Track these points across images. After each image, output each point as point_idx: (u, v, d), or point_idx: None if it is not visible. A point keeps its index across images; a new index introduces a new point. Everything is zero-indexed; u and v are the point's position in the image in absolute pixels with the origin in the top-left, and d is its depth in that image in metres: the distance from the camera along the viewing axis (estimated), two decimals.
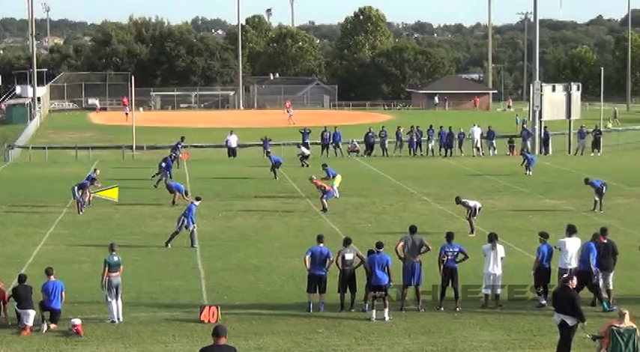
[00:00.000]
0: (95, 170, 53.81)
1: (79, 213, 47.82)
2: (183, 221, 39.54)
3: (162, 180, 56.43)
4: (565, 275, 26.40)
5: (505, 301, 29.69)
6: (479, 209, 41.65)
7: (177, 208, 49.62)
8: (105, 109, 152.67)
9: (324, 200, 48.18)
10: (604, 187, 48.64)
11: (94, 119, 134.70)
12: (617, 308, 25.22)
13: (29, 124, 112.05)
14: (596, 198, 48.39)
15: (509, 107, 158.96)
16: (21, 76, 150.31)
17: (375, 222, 44.83)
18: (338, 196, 51.56)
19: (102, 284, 28.45)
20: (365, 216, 46.96)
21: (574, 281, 25.59)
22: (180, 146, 71.36)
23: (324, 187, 48.78)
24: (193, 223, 39.63)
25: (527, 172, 64.84)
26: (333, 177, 53.10)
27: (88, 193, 48.89)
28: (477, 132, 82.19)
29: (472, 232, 40.18)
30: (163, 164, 58.38)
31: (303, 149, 68.82)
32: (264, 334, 26.76)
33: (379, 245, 29.29)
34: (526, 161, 66.03)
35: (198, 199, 42.20)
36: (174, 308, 29.74)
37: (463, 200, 42.44)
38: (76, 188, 48.32)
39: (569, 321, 23.93)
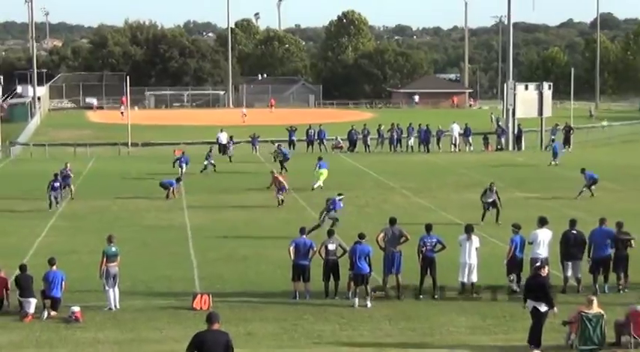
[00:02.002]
0: (67, 164, 53.65)
1: (50, 208, 47.33)
2: (325, 215, 40.70)
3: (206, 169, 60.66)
4: (537, 264, 26.54)
5: (480, 289, 29.83)
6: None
7: (170, 202, 49.79)
8: (102, 108, 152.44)
9: (279, 196, 48.23)
10: (592, 180, 50.96)
11: (91, 117, 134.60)
12: (586, 296, 25.39)
13: (30, 122, 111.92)
14: (583, 189, 50.59)
15: (470, 105, 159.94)
16: (22, 76, 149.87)
17: (357, 215, 44.91)
18: (318, 186, 53.23)
19: (100, 274, 28.51)
20: (349, 209, 46.98)
21: (545, 270, 25.74)
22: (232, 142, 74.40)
23: (281, 183, 48.62)
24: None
25: (553, 162, 67.22)
26: (320, 168, 53.81)
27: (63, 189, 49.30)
28: (455, 129, 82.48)
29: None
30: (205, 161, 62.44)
31: (283, 150, 68.00)
32: (254, 320, 26.84)
33: (361, 236, 29.43)
34: (552, 151, 69.07)
35: (340, 195, 42.87)
36: (168, 296, 29.78)
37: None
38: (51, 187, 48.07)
39: (541, 308, 24.05)
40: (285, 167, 62.60)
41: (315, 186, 52.93)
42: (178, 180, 53.13)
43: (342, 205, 42.29)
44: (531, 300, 24.23)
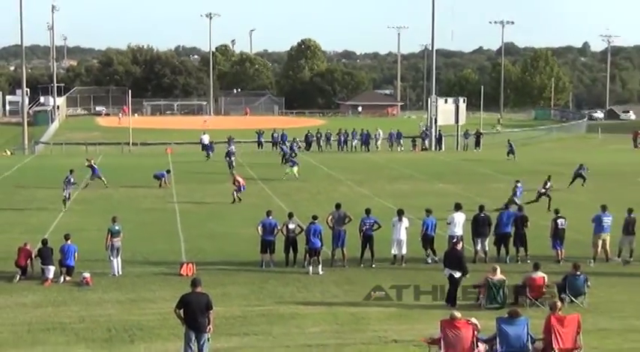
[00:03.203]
0: (71, 171, 45.68)
1: (65, 207, 42.43)
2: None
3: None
4: (454, 240, 26.64)
5: (408, 259, 29.91)
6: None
7: (162, 190, 49.57)
8: (108, 115, 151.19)
9: (236, 193, 44.93)
10: (583, 170, 50.65)
11: (100, 122, 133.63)
12: (492, 265, 25.53)
13: (50, 126, 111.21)
14: (576, 179, 50.32)
15: (387, 114, 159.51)
16: (44, 89, 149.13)
17: (311, 201, 44.85)
18: (293, 175, 53.39)
19: (106, 247, 28.40)
20: (305, 196, 46.98)
21: (460, 245, 25.92)
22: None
23: (240, 183, 45.55)
24: None
25: (509, 157, 69.06)
26: (292, 165, 54.13)
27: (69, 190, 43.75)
28: (380, 134, 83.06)
29: None
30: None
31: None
32: (229, 284, 26.81)
33: (314, 217, 29.48)
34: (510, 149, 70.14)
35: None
36: (160, 265, 29.68)
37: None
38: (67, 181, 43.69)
39: (456, 274, 24.19)
40: (233, 166, 58.58)
41: (297, 176, 53.74)
42: (168, 171, 52.85)
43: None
44: (448, 268, 24.38)
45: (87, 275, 27.05)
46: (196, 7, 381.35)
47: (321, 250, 28.89)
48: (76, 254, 27.95)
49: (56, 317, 23.24)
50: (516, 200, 39.61)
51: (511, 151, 70.05)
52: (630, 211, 30.65)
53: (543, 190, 42.25)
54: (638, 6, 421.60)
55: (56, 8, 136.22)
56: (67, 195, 43.21)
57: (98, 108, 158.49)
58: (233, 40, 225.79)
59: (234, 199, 44.90)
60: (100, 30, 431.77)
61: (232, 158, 60.46)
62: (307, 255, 29.02)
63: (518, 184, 41.74)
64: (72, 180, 44.17)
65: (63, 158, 71.63)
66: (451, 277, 24.20)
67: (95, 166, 51.81)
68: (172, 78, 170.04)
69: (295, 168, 54.57)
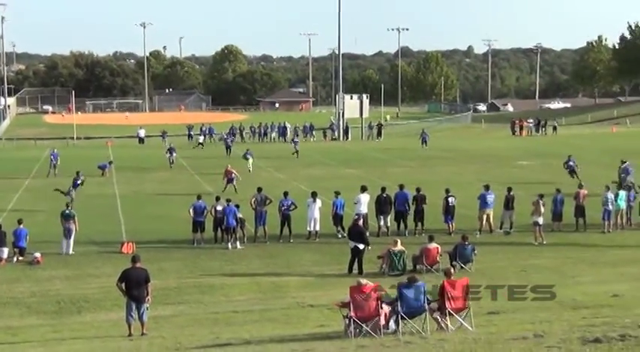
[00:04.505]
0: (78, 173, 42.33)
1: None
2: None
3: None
4: (356, 217, 26.72)
5: (321, 235, 30.01)
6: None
7: (104, 178, 48.86)
8: (54, 113, 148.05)
9: (231, 183, 42.03)
10: (573, 163, 44.35)
11: (47, 119, 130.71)
12: (393, 238, 25.78)
13: (2, 123, 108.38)
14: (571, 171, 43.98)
15: (300, 110, 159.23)
16: None
17: (237, 185, 44.67)
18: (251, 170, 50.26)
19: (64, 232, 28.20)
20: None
21: (361, 221, 26.14)
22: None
23: (232, 173, 42.56)
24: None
25: (424, 146, 67.53)
26: (246, 159, 51.51)
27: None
28: (288, 126, 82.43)
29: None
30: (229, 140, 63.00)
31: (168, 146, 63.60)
32: (165, 260, 26.62)
33: (228, 200, 29.81)
34: (422, 138, 68.80)
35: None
36: (103, 244, 29.37)
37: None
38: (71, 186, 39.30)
39: (360, 246, 24.38)
40: (172, 161, 54.75)
41: (251, 170, 50.29)
42: (110, 162, 52.01)
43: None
44: (353, 241, 24.58)
45: (38, 255, 26.63)
46: (132, 17, 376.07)
47: (236, 228, 28.84)
48: (27, 236, 27.53)
49: (10, 293, 22.78)
50: (630, 179, 36.80)
51: (424, 141, 68.86)
52: (509, 189, 31.26)
53: None
54: (513, 14, 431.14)
55: (5, 19, 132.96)
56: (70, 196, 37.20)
57: (45, 107, 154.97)
58: (164, 46, 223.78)
59: (225, 187, 41.45)
60: (45, 37, 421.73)
61: (174, 154, 55.08)
62: (224, 233, 29.04)
63: (627, 165, 38.63)
64: (78, 182, 40.66)
65: (14, 151, 70.28)
66: (355, 248, 24.42)
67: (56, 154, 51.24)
68: (111, 79, 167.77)
69: (251, 160, 52.44)
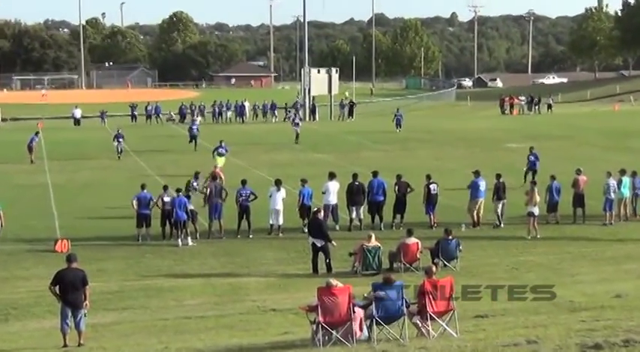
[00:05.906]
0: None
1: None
2: None
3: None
4: (315, 209, 26.69)
5: (285, 229, 30.01)
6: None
7: (35, 165, 48.49)
8: None
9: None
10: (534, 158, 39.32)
11: None
12: (368, 232, 25.85)
13: None
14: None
15: (261, 85, 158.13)
16: None
17: (188, 174, 44.45)
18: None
19: None
20: (181, 171, 46.42)
21: (322, 213, 26.15)
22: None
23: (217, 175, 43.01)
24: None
25: (398, 129, 66.29)
26: (220, 156, 49.23)
27: None
28: (246, 105, 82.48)
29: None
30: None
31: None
32: (105, 259, 26.49)
33: (177, 190, 29.53)
34: (397, 120, 67.15)
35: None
36: (34, 242, 29.14)
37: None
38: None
39: (318, 243, 24.44)
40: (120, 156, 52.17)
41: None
42: (37, 133, 51.92)
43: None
44: (311, 237, 24.65)
45: None
46: None
47: (187, 222, 28.79)
48: None
49: None
50: None
51: (398, 123, 67.37)
52: (498, 176, 31.19)
53: None
54: None
55: None
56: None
57: None
58: (103, 13, 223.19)
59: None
60: None
61: (122, 142, 52.07)
62: (173, 228, 28.98)
63: None
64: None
65: None
66: (313, 245, 24.47)
67: None
68: (42, 52, 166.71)
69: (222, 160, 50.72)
